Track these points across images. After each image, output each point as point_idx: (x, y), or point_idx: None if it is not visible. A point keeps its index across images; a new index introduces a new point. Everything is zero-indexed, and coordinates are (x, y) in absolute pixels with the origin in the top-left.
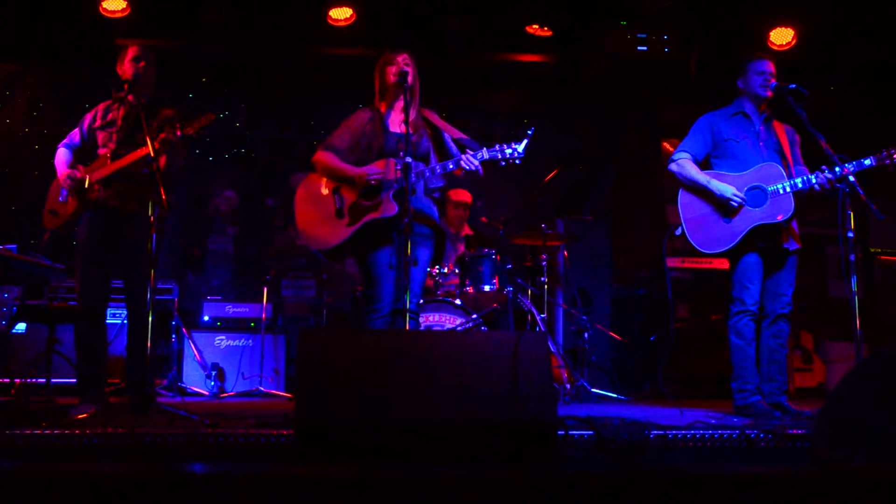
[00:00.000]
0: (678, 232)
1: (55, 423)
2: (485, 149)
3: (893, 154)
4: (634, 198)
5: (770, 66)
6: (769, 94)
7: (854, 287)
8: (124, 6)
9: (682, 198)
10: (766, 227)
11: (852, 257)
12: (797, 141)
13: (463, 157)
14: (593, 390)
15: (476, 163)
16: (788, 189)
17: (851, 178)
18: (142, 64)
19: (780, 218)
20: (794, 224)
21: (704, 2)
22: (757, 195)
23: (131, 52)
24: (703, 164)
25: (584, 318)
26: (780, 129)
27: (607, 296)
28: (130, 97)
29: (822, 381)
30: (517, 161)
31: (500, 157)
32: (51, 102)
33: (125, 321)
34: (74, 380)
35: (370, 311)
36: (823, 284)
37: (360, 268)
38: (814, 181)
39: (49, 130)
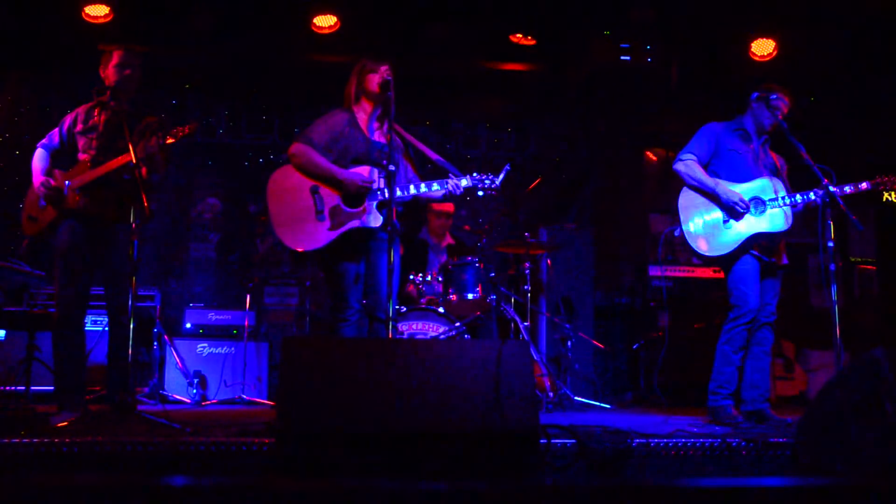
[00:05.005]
0: (677, 232)
1: (34, 431)
2: (468, 176)
3: (886, 181)
4: (617, 206)
5: (785, 106)
6: (770, 126)
7: (834, 296)
8: (107, 12)
9: (683, 199)
10: (765, 241)
11: (832, 267)
12: (785, 169)
13: (449, 181)
14: (576, 398)
15: (460, 188)
16: (787, 202)
17: (832, 189)
18: (127, 72)
19: (779, 229)
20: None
21: (687, 13)
22: (757, 205)
23: (116, 56)
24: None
25: (567, 326)
26: (773, 155)
27: (590, 304)
28: (112, 102)
29: (803, 390)
30: (492, 193)
31: (478, 186)
32: (32, 108)
33: (106, 328)
34: (54, 387)
35: (340, 320)
36: (805, 293)
37: (328, 275)
38: (812, 198)
39: (30, 136)
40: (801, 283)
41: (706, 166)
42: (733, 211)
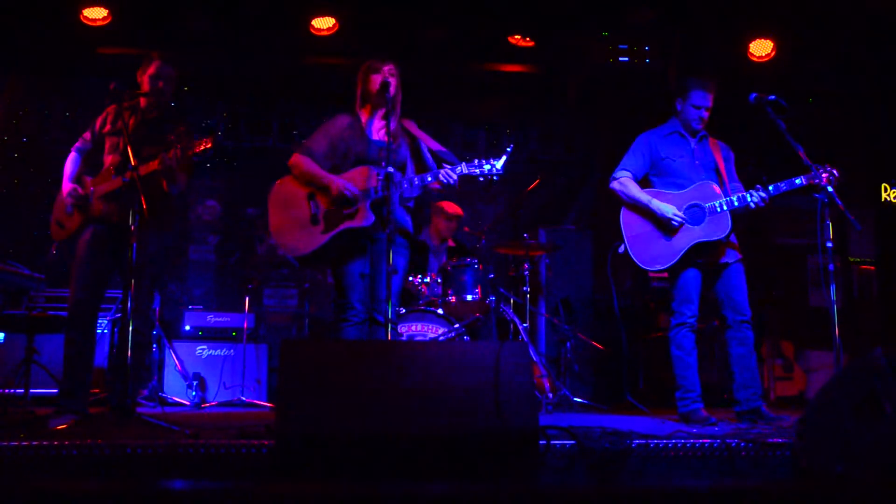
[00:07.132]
0: (621, 249)
1: (33, 434)
2: (464, 164)
3: (822, 174)
4: (617, 208)
5: (709, 101)
6: (699, 127)
7: (833, 296)
8: (105, 14)
9: (625, 216)
10: (703, 244)
11: (831, 267)
12: (732, 158)
13: (441, 171)
14: (575, 399)
15: (454, 177)
16: (725, 207)
17: (830, 189)
18: (160, 84)
19: (717, 236)
20: (734, 237)
21: (685, 13)
22: (695, 213)
23: (154, 66)
24: (643, 182)
25: (567, 327)
26: (714, 147)
27: (589, 305)
28: (143, 105)
29: (802, 390)
30: (495, 178)
31: (478, 172)
32: (31, 111)
33: (105, 331)
34: (53, 390)
35: (341, 320)
36: (803, 294)
37: (333, 276)
38: (749, 199)
39: (28, 139)
40: (800, 284)
41: (646, 177)
42: (669, 226)
